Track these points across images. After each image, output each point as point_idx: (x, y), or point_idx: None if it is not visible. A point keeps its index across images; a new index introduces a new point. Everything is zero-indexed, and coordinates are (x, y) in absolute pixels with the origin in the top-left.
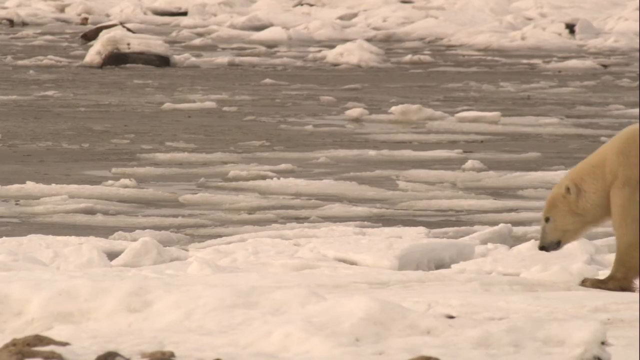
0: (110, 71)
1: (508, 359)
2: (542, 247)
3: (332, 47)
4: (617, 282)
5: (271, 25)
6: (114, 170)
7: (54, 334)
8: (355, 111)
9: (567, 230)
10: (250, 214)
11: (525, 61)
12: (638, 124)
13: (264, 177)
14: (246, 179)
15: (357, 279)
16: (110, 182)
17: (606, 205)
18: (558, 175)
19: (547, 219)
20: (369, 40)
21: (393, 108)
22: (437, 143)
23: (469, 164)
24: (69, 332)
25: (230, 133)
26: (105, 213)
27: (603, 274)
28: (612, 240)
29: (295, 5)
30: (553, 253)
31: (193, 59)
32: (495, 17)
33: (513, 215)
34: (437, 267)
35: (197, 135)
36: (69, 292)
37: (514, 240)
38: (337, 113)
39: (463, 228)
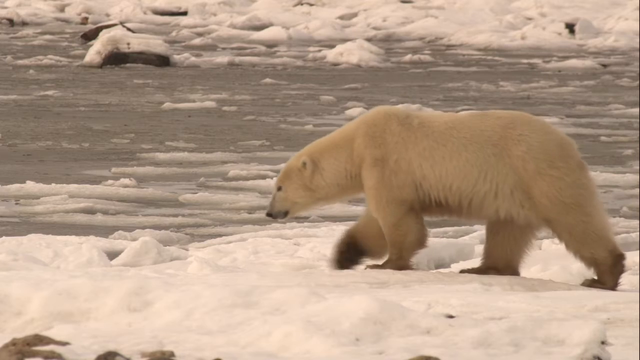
0: (110, 71)
1: (508, 358)
2: (269, 214)
3: (332, 46)
4: (394, 264)
5: (271, 25)
6: (114, 170)
7: (54, 333)
8: (355, 111)
9: (296, 202)
10: (250, 213)
11: (525, 61)
12: (384, 107)
13: (264, 177)
14: (246, 179)
15: (357, 278)
16: (110, 181)
17: (344, 186)
18: None
19: (279, 188)
20: (369, 40)
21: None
22: None
23: None
24: (69, 332)
25: (230, 133)
26: (105, 213)
27: None
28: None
29: (295, 5)
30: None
31: (193, 58)
32: (495, 16)
33: None
34: (437, 267)
35: (197, 135)
36: (69, 291)
37: None
38: (337, 113)
39: (463, 228)
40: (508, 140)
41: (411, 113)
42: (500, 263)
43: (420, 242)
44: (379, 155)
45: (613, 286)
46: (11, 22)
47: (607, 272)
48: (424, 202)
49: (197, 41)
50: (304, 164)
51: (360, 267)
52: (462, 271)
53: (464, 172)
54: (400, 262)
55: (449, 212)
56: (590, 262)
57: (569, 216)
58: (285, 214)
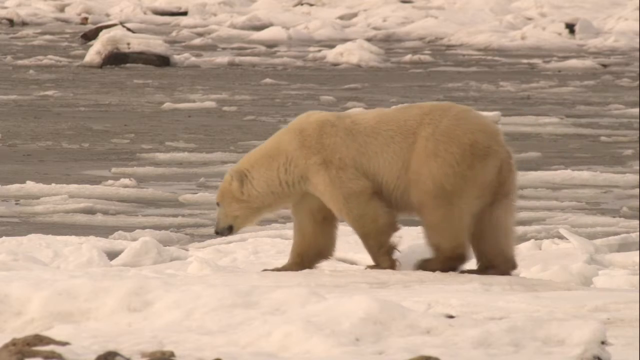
0: (110, 71)
1: (508, 358)
2: (216, 232)
3: (332, 46)
4: (381, 254)
5: (271, 25)
6: (113, 170)
7: (54, 333)
8: (356, 111)
9: (235, 216)
10: None
11: (525, 61)
12: (312, 113)
13: None
14: None
15: (357, 278)
16: (110, 181)
17: (280, 194)
18: (558, 175)
19: (218, 204)
20: (369, 40)
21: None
22: None
23: None
24: (69, 332)
25: (230, 133)
26: (105, 213)
27: (603, 273)
28: (612, 240)
29: (295, 5)
30: (553, 253)
31: (193, 58)
32: (495, 16)
33: None
34: None
35: (197, 135)
36: (69, 291)
37: None
38: None
39: None
40: (422, 125)
41: (340, 114)
42: (494, 259)
43: (392, 225)
44: (321, 160)
45: (387, 267)
46: (11, 22)
47: (440, 261)
48: None
49: (197, 41)
50: (232, 177)
51: (360, 268)
52: (462, 272)
53: (391, 164)
54: (384, 249)
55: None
56: (432, 248)
57: (440, 202)
58: (230, 229)
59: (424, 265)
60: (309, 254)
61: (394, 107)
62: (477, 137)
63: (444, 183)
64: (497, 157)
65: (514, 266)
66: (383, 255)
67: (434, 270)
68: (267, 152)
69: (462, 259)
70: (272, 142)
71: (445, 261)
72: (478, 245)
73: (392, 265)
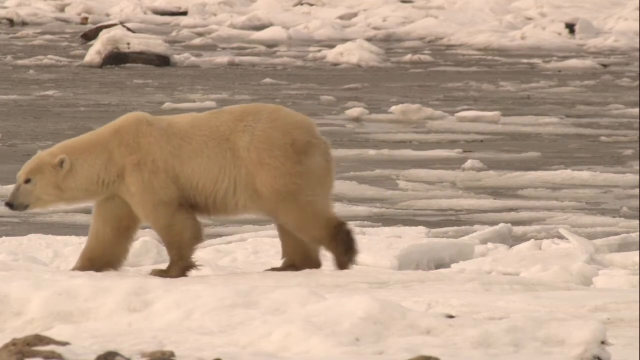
0: (110, 71)
1: (508, 358)
2: (9, 205)
3: (332, 46)
4: (178, 266)
5: (271, 24)
6: None
7: (54, 333)
8: (355, 111)
9: (40, 198)
10: None
11: (525, 61)
12: (133, 113)
13: None
14: None
15: (357, 278)
16: None
17: (92, 191)
18: (558, 175)
19: (27, 180)
20: (369, 39)
21: (393, 108)
22: (437, 143)
23: (469, 163)
24: (69, 332)
25: None
26: None
27: (603, 273)
28: (612, 240)
29: (295, 5)
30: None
31: (193, 58)
32: (495, 16)
33: (513, 215)
34: (437, 267)
35: None
36: (69, 291)
37: (513, 240)
38: (337, 112)
39: (463, 227)
40: (236, 133)
41: (159, 116)
42: (296, 258)
43: (197, 238)
44: (136, 160)
45: (179, 275)
46: (11, 22)
47: (330, 247)
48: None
49: (197, 41)
50: (62, 162)
51: (362, 267)
52: (266, 270)
53: (207, 169)
54: (182, 263)
55: (200, 211)
56: (314, 242)
57: (286, 204)
58: (26, 207)
59: (161, 274)
60: (100, 261)
61: (207, 111)
62: (295, 134)
63: (278, 187)
64: (319, 148)
65: (317, 266)
66: (179, 268)
67: (177, 275)
68: (90, 148)
69: (342, 225)
70: (95, 138)
71: (333, 242)
72: (283, 243)
73: (181, 275)
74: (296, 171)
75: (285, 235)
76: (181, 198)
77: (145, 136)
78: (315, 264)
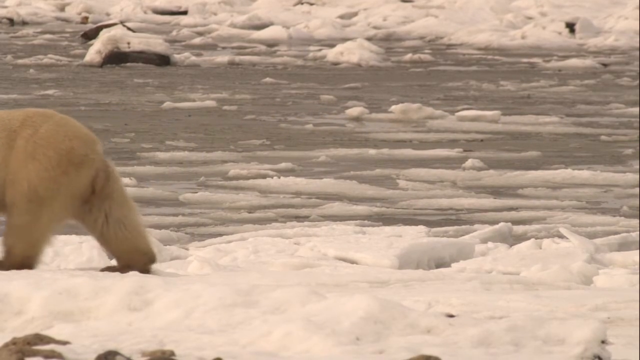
0: (110, 70)
1: (508, 357)
2: None
3: (332, 46)
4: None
5: (271, 24)
6: None
7: (55, 332)
8: (356, 110)
9: None
10: (250, 212)
11: (525, 60)
12: None
13: (264, 176)
14: (246, 178)
15: (358, 277)
16: None
17: None
18: (558, 174)
19: None
20: (369, 39)
21: (393, 107)
22: (437, 142)
23: (469, 162)
24: (69, 331)
25: (231, 132)
26: None
27: (603, 272)
28: (612, 239)
29: (296, 4)
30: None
31: (193, 57)
32: (495, 15)
33: (513, 214)
34: (438, 266)
35: (197, 134)
36: (70, 290)
37: (514, 239)
38: (337, 112)
39: (463, 227)
40: (24, 127)
41: None
42: (131, 257)
43: None
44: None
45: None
46: (11, 21)
47: (8, 265)
48: None
49: (197, 40)
50: None
51: (362, 267)
52: (102, 269)
53: None
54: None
55: None
56: (6, 249)
57: (33, 206)
58: None
59: None
60: None
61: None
62: (75, 144)
63: (38, 187)
64: (93, 166)
65: (152, 260)
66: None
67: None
68: None
69: (29, 267)
70: None
71: (11, 266)
72: (112, 248)
73: None
74: (60, 180)
75: (112, 239)
76: None
77: None
78: (150, 257)
